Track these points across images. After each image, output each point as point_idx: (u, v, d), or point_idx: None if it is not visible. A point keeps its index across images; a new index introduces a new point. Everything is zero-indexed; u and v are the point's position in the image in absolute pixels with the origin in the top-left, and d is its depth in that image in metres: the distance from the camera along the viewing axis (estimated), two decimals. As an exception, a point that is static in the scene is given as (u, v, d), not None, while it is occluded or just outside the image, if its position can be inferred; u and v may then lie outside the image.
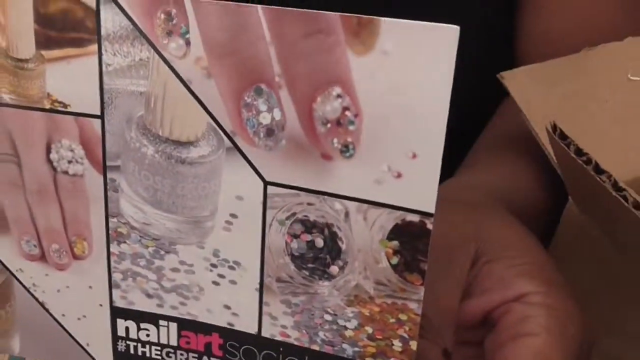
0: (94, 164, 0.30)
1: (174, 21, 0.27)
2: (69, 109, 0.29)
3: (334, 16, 0.25)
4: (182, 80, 0.27)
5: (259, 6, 0.25)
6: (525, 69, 0.37)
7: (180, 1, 0.26)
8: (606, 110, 0.35)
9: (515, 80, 0.36)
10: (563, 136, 0.28)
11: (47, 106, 0.29)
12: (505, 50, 0.45)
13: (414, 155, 0.26)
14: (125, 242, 0.31)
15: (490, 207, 0.36)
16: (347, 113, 0.26)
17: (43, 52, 0.28)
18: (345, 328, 0.29)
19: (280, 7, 0.25)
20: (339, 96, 0.26)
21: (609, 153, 0.28)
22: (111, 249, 0.31)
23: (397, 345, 0.29)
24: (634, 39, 0.38)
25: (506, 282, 0.31)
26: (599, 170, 0.27)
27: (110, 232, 0.31)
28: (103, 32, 0.27)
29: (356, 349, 0.30)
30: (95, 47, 0.28)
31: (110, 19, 0.27)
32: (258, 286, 0.30)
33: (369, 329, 0.29)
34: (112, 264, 0.32)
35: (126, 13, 0.27)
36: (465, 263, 0.32)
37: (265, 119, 0.27)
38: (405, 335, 0.29)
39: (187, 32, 0.27)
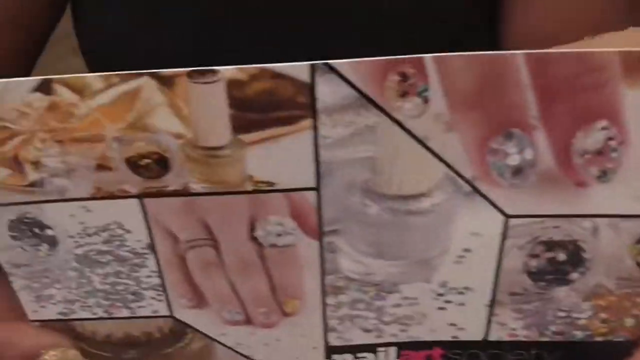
0: (308, 232, 0.26)
1: (410, 81, 0.22)
2: (276, 187, 0.25)
3: (612, 53, 0.22)
4: (418, 139, 0.24)
5: (520, 53, 0.21)
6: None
7: (418, 60, 0.22)
8: None
9: None
10: None
11: (249, 188, 0.25)
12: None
13: None
14: (343, 293, 0.29)
15: None
16: (611, 142, 0.24)
17: (242, 137, 0.24)
18: (579, 319, 0.30)
19: (544, 51, 0.21)
20: (603, 128, 0.23)
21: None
22: (327, 301, 0.29)
23: (630, 322, 0.30)
24: (636, 29, 0.34)
25: None
26: None
27: (326, 287, 0.29)
28: (319, 105, 0.23)
29: (587, 332, 0.30)
30: (308, 122, 0.23)
31: (328, 91, 0.22)
32: (488, 303, 0.29)
33: (603, 315, 0.30)
34: (328, 313, 0.30)
35: (350, 82, 0.22)
36: None
37: (513, 160, 0.24)
38: (639, 313, 0.29)
39: (426, 89, 0.23)
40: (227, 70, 0.21)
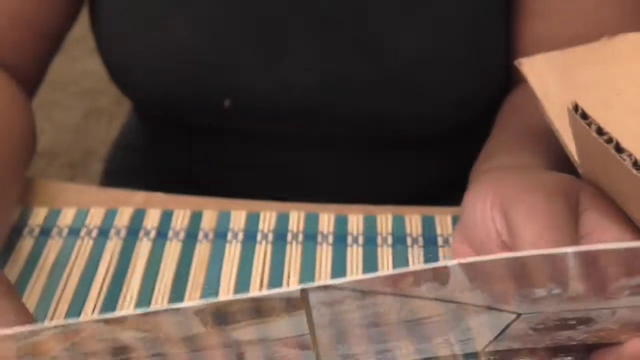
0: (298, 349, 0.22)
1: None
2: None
3: None
4: (430, 299, 0.19)
5: (570, 250, 0.15)
6: (544, 56, 0.33)
7: (442, 269, 0.16)
8: (622, 101, 0.31)
9: (533, 67, 0.32)
10: (584, 116, 0.26)
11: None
12: (493, 48, 0.39)
13: None
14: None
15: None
16: None
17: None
18: (576, 339, 0.28)
19: (592, 248, 0.16)
20: None
21: (625, 143, 0.25)
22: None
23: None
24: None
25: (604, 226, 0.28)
26: (619, 149, 0.25)
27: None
28: (312, 301, 0.17)
29: (581, 343, 0.29)
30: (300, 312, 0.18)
31: (322, 296, 0.16)
32: (488, 342, 0.27)
33: (601, 334, 0.28)
34: None
35: (353, 289, 0.16)
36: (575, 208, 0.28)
37: (540, 293, 0.20)
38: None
39: (448, 278, 0.17)
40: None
